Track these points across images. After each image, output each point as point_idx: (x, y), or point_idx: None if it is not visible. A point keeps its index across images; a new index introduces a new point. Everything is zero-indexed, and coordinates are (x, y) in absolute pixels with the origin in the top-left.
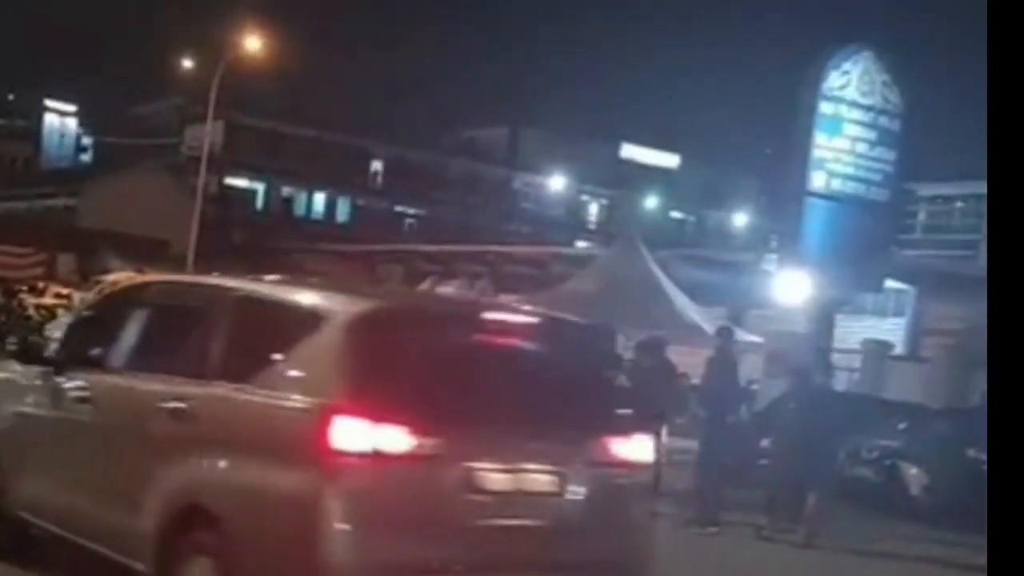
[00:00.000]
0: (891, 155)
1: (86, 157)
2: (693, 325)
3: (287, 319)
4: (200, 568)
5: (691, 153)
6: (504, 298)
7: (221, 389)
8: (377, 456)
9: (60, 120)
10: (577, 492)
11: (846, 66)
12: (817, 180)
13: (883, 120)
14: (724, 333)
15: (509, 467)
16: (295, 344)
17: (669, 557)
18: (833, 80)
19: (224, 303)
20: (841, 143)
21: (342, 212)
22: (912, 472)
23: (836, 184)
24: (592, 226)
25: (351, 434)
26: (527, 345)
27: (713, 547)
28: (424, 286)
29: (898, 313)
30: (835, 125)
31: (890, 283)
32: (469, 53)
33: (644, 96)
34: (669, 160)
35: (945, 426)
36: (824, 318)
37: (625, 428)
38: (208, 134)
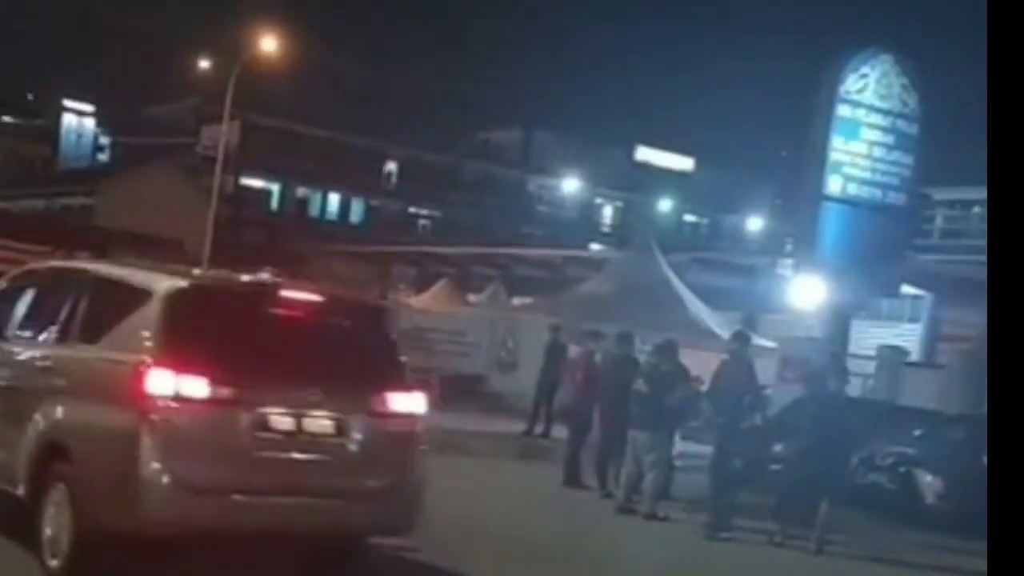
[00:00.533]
0: (908, 159)
1: (103, 157)
2: (707, 329)
3: (125, 294)
4: (57, 492)
5: (706, 156)
6: (517, 300)
7: (77, 350)
8: (181, 399)
9: (78, 120)
10: (355, 435)
11: (864, 69)
12: (833, 184)
13: (901, 124)
14: (740, 337)
15: (295, 412)
16: (129, 313)
17: (681, 562)
18: (851, 83)
19: (84, 282)
20: (858, 147)
21: (356, 213)
22: (927, 479)
23: (852, 188)
24: (606, 229)
25: (160, 382)
26: (316, 317)
27: (725, 552)
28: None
29: (914, 319)
30: (852, 129)
31: (906, 288)
32: (483, 55)
33: (659, 99)
34: (684, 163)
35: (960, 433)
36: (839, 323)
37: (403, 385)
38: (224, 134)
